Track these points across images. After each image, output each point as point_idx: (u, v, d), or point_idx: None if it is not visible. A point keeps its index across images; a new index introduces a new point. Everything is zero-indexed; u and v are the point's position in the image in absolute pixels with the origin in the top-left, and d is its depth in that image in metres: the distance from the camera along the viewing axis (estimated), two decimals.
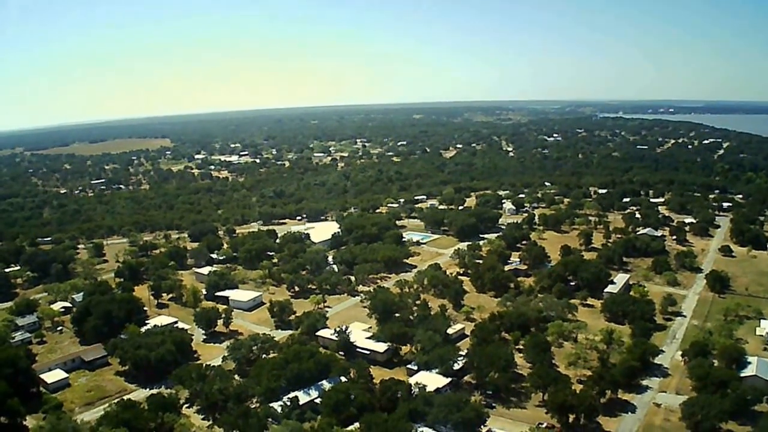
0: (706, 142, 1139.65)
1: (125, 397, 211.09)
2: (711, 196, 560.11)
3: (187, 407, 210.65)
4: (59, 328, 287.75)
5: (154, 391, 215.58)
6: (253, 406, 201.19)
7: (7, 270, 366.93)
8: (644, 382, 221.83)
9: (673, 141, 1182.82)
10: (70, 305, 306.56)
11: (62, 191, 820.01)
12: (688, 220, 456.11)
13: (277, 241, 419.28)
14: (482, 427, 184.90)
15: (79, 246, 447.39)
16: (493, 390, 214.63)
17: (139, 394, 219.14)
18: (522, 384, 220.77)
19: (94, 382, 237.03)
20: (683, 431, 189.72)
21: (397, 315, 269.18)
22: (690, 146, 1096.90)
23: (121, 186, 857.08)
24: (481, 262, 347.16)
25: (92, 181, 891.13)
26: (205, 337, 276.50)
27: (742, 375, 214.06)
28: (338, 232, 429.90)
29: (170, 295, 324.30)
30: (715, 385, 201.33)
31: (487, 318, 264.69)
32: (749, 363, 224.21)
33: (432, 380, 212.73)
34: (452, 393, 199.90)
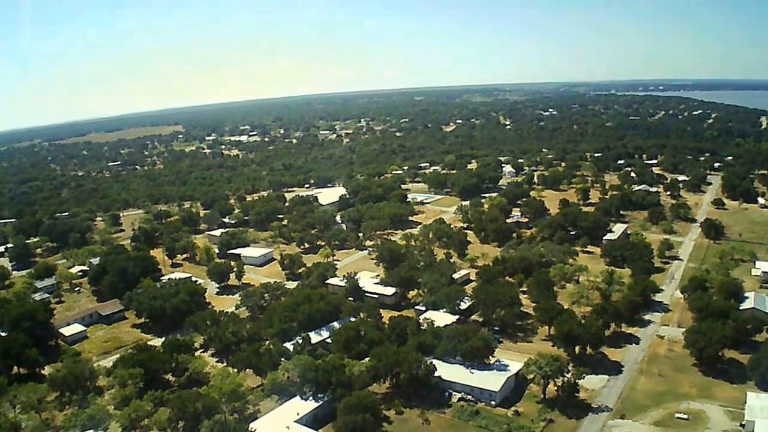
0: (695, 113, 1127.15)
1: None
2: (701, 158, 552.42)
3: (201, 352, 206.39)
4: (77, 289, 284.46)
5: None
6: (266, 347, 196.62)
7: (27, 241, 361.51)
8: (646, 317, 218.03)
9: (663, 112, 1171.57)
10: (88, 269, 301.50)
11: (80, 174, 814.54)
12: (681, 178, 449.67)
13: (286, 204, 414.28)
14: (490, 357, 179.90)
15: (97, 218, 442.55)
16: (500, 326, 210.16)
17: (155, 344, 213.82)
18: (527, 321, 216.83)
19: (111, 334, 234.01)
20: (687, 359, 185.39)
21: (403, 264, 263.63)
22: (680, 116, 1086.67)
23: (136, 167, 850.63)
24: (483, 216, 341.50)
25: (109, 164, 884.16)
26: (218, 289, 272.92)
27: (741, 308, 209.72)
28: (345, 194, 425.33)
29: (184, 256, 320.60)
30: (716, 315, 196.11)
31: (492, 261, 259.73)
32: (747, 297, 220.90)
33: (440, 318, 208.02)
34: (460, 326, 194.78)
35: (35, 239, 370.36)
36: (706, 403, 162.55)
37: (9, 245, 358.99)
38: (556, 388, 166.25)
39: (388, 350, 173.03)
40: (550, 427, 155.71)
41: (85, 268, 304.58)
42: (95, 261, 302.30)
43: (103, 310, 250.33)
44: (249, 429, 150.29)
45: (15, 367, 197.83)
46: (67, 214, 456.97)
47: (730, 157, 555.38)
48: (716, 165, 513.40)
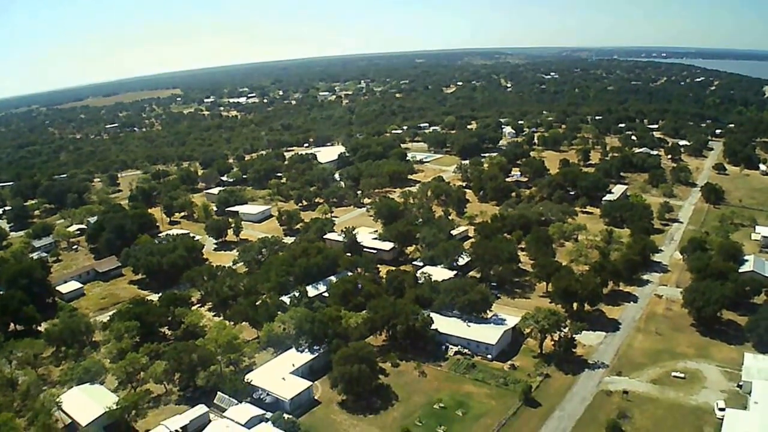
0: (698, 80, 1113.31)
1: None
2: (703, 124, 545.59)
3: (198, 307, 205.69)
4: (74, 247, 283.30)
5: None
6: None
7: (25, 203, 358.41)
8: (645, 277, 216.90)
9: (665, 78, 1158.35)
10: (85, 227, 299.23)
11: (78, 137, 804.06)
12: (683, 142, 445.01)
13: (285, 162, 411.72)
14: (488, 312, 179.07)
15: (95, 180, 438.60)
16: (498, 282, 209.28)
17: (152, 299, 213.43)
18: (525, 278, 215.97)
19: (108, 291, 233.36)
20: (685, 319, 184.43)
21: (401, 219, 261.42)
22: (682, 83, 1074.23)
23: (134, 129, 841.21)
24: (482, 175, 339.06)
25: (107, 126, 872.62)
26: (215, 245, 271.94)
27: (741, 271, 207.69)
28: (344, 153, 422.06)
29: (182, 214, 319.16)
30: (715, 276, 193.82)
31: (490, 218, 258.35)
32: (746, 260, 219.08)
33: (437, 273, 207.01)
34: (458, 279, 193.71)
35: (33, 201, 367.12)
36: (703, 362, 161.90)
37: (7, 207, 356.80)
38: (553, 343, 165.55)
39: (385, 302, 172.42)
40: (546, 382, 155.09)
41: (82, 226, 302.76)
42: (92, 220, 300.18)
43: (101, 267, 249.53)
44: (245, 380, 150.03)
45: (12, 324, 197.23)
46: (65, 176, 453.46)
47: (732, 125, 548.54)
48: (718, 131, 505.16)
